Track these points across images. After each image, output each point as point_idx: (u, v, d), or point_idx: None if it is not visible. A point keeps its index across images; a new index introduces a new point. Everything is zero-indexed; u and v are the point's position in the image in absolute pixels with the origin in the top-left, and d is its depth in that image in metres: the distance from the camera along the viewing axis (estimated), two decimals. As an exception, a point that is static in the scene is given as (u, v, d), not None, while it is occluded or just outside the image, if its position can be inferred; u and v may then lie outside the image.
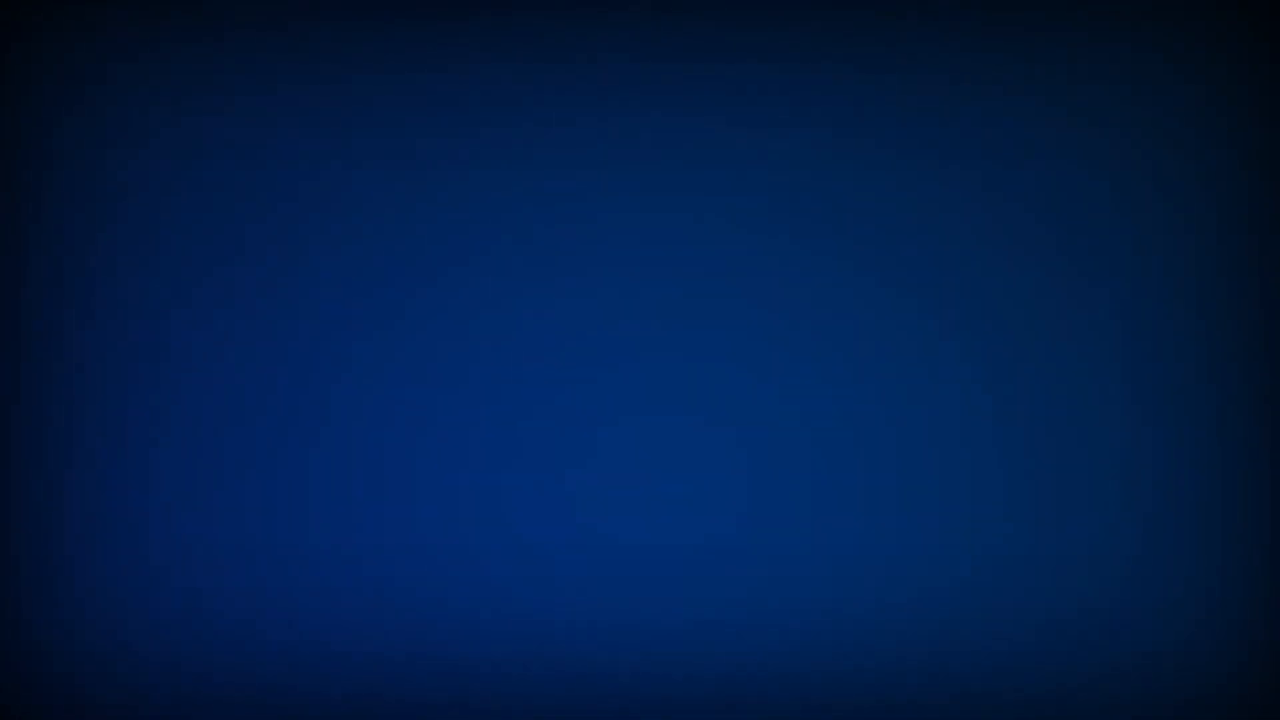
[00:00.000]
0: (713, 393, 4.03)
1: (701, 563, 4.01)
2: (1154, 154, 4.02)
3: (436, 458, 4.03)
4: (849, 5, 4.04)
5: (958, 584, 3.98)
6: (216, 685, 4.02)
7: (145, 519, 4.05)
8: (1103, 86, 4.02)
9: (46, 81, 4.08)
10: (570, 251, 4.05)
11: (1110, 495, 3.99)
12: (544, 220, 4.06)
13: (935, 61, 4.03)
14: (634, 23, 4.06)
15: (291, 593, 4.02)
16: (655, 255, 4.04)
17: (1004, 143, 4.03)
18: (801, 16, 4.04)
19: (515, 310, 4.05)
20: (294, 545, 4.03)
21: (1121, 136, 4.03)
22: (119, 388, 4.06)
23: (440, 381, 4.04)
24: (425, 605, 4.01)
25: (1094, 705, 3.96)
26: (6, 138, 4.08)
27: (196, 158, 4.08)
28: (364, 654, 4.01)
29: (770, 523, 4.01)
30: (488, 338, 4.05)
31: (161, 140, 4.08)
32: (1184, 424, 3.99)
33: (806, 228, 4.04)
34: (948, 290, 4.03)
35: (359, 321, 4.06)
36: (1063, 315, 4.01)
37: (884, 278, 4.04)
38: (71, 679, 4.04)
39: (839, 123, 4.04)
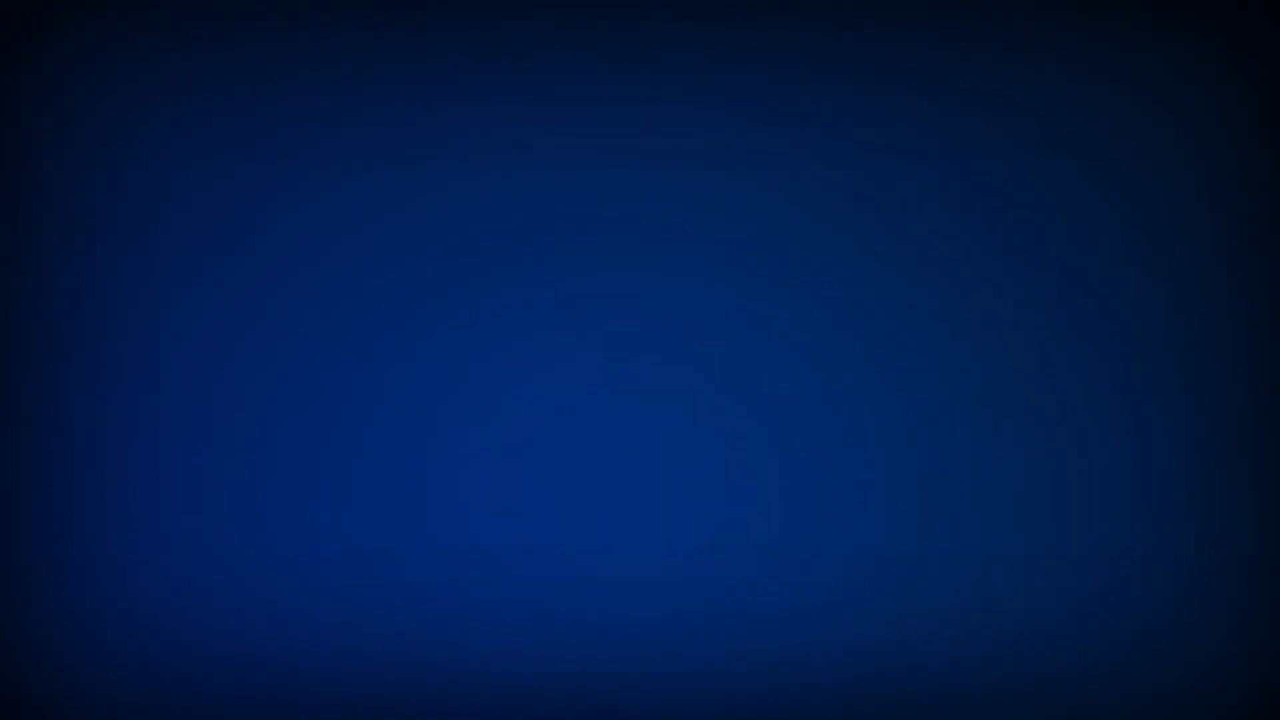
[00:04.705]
0: (724, 393, 4.04)
1: (711, 563, 4.02)
2: (1153, 155, 4.04)
3: (445, 456, 4.03)
4: (846, 6, 4.05)
5: (959, 584, 4.00)
6: (221, 685, 4.01)
7: (150, 520, 4.03)
8: (1102, 88, 4.04)
9: (45, 82, 4.06)
10: (582, 251, 4.05)
11: (1113, 496, 4.01)
12: (559, 219, 4.06)
13: (933, 62, 4.04)
14: (633, 23, 4.06)
15: (299, 593, 4.01)
16: (667, 254, 4.05)
17: (1006, 144, 4.04)
18: (799, 17, 4.04)
19: (524, 309, 4.05)
20: (303, 545, 4.02)
21: (1121, 137, 4.05)
22: (126, 389, 4.04)
23: (449, 380, 4.04)
24: (434, 605, 4.01)
25: (1093, 704, 3.99)
26: (5, 139, 4.05)
27: (202, 158, 4.06)
28: (372, 654, 4.00)
29: (776, 523, 4.02)
30: (498, 336, 4.05)
31: (170, 140, 4.06)
32: (1182, 425, 4.01)
33: (816, 229, 4.05)
34: (950, 290, 4.05)
35: (367, 321, 4.05)
36: (1064, 318, 4.04)
37: (890, 278, 4.05)
38: (73, 679, 4.02)
39: (848, 123, 4.05)
